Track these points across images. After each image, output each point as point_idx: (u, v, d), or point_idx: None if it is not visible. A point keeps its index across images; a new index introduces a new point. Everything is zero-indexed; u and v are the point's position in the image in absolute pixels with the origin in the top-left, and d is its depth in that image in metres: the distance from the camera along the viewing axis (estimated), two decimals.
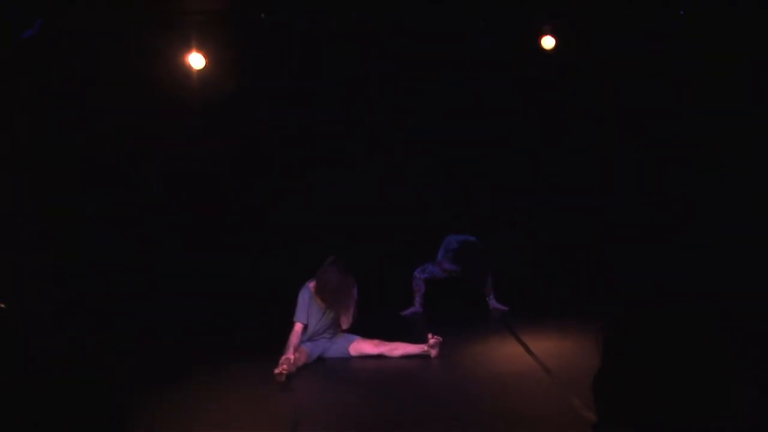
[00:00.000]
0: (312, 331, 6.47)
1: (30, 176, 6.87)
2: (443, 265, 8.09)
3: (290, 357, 6.10)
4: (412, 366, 6.30)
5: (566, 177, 9.14)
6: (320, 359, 6.53)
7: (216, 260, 8.60)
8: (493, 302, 8.05)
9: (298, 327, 6.34)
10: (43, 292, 6.23)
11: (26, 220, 6.64)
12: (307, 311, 6.39)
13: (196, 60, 7.56)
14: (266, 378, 5.92)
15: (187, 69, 7.65)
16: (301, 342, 6.37)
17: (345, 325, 6.53)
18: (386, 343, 6.58)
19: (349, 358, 6.57)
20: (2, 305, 1.26)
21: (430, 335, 6.42)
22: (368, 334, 6.65)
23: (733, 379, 1.42)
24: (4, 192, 6.47)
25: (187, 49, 7.52)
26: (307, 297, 6.40)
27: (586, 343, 5.96)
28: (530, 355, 6.27)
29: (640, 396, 1.42)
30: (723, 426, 1.41)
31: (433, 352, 6.38)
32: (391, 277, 8.18)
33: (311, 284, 6.44)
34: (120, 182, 8.19)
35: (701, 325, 1.45)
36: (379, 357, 6.51)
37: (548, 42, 7.83)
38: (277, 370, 5.92)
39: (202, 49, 7.53)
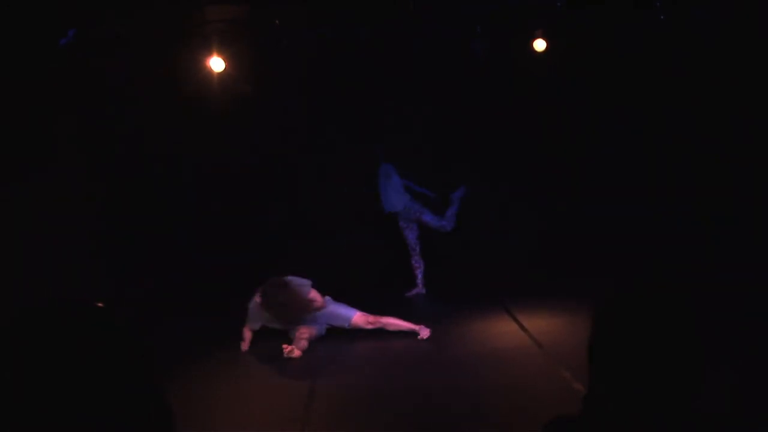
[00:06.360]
0: (286, 327, 6.82)
1: (75, 172, 7.39)
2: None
3: (245, 347, 6.66)
4: (417, 342, 6.67)
5: (563, 174, 9.56)
6: (329, 331, 6.93)
7: (236, 248, 9.05)
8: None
9: (247, 333, 6.77)
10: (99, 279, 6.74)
11: (80, 218, 7.22)
12: (260, 319, 6.71)
13: (216, 63, 7.85)
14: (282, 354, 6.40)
15: (208, 72, 7.94)
16: (304, 323, 6.75)
17: (297, 352, 6.50)
18: (382, 318, 6.93)
19: (355, 334, 6.91)
20: (100, 305, 1.21)
21: (421, 328, 6.79)
22: (372, 310, 7.01)
23: (703, 357, 1.45)
24: (60, 190, 7.00)
25: (209, 53, 7.81)
26: (256, 309, 6.66)
27: (575, 321, 6.37)
28: (524, 332, 6.59)
29: (627, 370, 1.45)
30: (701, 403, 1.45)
31: (424, 334, 6.75)
32: (394, 263, 8.58)
33: (257, 298, 6.65)
34: (146, 173, 8.64)
35: (683, 304, 1.48)
36: (384, 335, 6.87)
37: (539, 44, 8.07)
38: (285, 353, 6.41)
39: (222, 53, 7.83)
